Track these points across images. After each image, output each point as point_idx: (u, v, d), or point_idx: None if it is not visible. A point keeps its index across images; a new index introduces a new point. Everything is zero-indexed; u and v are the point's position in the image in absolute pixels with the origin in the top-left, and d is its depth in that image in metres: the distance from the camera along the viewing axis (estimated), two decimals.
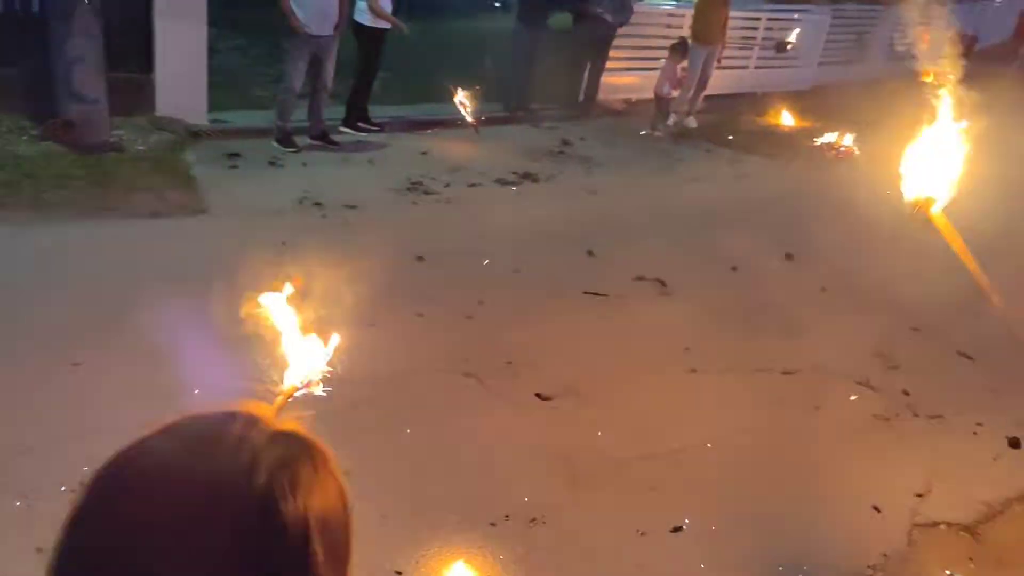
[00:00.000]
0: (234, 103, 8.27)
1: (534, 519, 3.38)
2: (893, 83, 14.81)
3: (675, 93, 9.96)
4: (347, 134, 8.12)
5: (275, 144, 7.47)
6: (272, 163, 7.24)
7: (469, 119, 8.08)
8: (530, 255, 5.94)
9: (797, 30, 13.51)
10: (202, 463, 0.72)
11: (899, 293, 5.88)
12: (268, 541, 0.70)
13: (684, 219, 7.14)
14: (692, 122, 10.26)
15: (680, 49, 9.84)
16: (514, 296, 5.24)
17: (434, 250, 5.73)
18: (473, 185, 7.25)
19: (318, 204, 6.38)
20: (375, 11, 7.80)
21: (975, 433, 4.44)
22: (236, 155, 7.21)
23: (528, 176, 7.64)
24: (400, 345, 4.54)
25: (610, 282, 5.69)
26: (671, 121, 10.05)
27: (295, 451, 0.77)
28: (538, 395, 4.32)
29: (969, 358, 5.20)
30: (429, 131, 8.67)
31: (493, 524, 3.30)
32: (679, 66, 9.81)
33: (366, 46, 8.00)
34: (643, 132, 9.75)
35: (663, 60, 10.12)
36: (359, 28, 7.95)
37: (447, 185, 7.09)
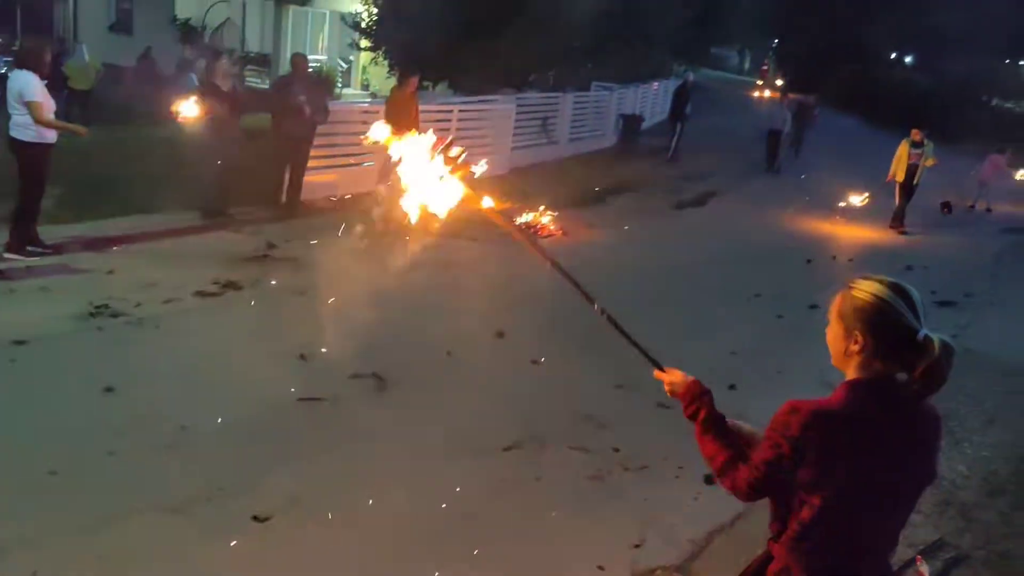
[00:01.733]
0: None
1: None
2: (578, 160, 16.25)
3: (397, 187, 10.02)
4: (13, 260, 7.25)
5: None
6: None
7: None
8: (237, 369, 5.60)
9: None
10: None
11: (603, 354, 6.30)
12: None
13: (398, 309, 7.16)
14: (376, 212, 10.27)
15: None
16: (222, 417, 4.87)
17: (125, 379, 5.21)
18: (169, 301, 6.75)
19: None
20: (43, 122, 7.14)
21: (677, 477, 4.79)
22: None
23: (231, 285, 7.27)
24: (93, 493, 4.02)
25: (325, 384, 5.51)
26: (376, 214, 10.16)
27: None
28: (255, 518, 4.01)
29: (666, 407, 5.65)
30: (115, 248, 8.00)
31: None
32: (398, 161, 9.91)
33: (29, 163, 7.27)
34: (359, 227, 9.70)
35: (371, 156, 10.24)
36: (20, 145, 7.22)
37: (138, 305, 6.53)
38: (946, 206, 14.56)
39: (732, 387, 6.01)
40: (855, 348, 2.06)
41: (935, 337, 2.01)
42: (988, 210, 14.90)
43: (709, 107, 23.89)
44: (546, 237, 10.38)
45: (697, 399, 2.37)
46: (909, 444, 2.07)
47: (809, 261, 10.48)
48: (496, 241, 9.93)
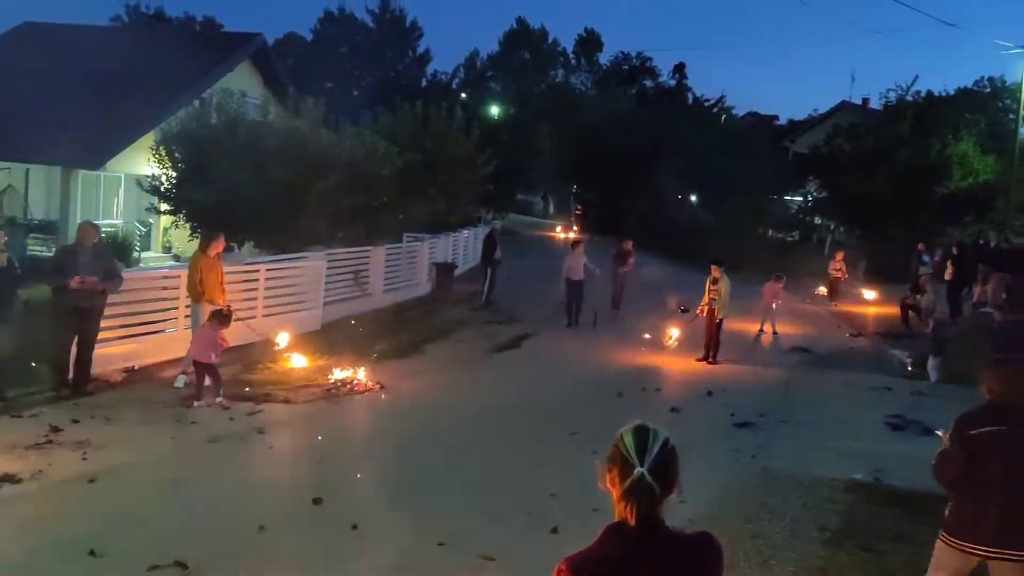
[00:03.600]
0: None
1: None
2: (394, 311, 16.35)
3: (216, 358, 9.43)
4: None
5: None
6: None
7: None
8: (16, 574, 4.98)
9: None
10: None
11: (425, 510, 6.17)
12: None
13: (204, 486, 6.72)
14: (179, 381, 9.74)
15: (219, 316, 9.55)
16: None
17: None
18: None
19: None
20: None
21: None
22: None
23: (7, 478, 6.54)
24: None
25: None
26: (181, 383, 9.64)
27: None
28: None
29: (491, 559, 5.57)
30: None
31: None
32: (220, 331, 9.44)
33: None
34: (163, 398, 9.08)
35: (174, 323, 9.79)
36: None
37: None
38: (681, 308, 15.77)
39: (554, 531, 6.03)
40: (608, 486, 2.30)
41: (640, 471, 2.21)
42: (775, 333, 16.25)
43: (519, 250, 25.02)
44: (362, 392, 10.22)
45: None
46: None
47: (620, 394, 10.92)
48: (311, 403, 9.68)
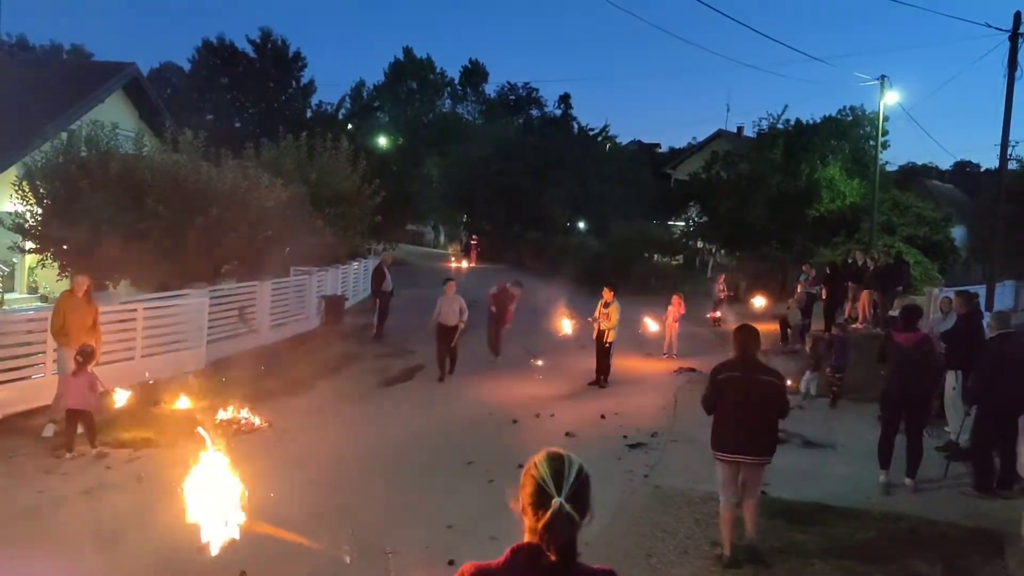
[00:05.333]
0: None
1: None
2: (282, 346, 15.81)
3: (95, 404, 8.89)
4: None
5: None
6: None
7: None
8: None
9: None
10: None
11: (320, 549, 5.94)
12: None
13: (72, 541, 6.31)
14: (48, 430, 9.16)
15: (82, 354, 8.99)
16: None
17: None
18: None
19: None
20: None
21: None
22: None
23: None
24: None
25: None
26: (50, 432, 9.06)
27: None
28: None
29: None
30: None
31: None
32: (92, 375, 8.90)
33: None
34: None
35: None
36: None
37: None
38: (566, 315, 15.92)
39: (451, 563, 5.95)
40: (519, 508, 2.29)
41: (559, 501, 2.19)
42: (670, 354, 16.58)
43: (411, 281, 24.82)
44: (249, 432, 9.86)
45: None
46: None
47: (515, 422, 10.94)
48: (188, 443, 9.24)
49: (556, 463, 2.28)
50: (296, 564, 6.02)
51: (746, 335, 6.40)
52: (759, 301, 22.89)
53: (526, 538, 2.30)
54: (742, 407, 6.21)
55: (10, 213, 15.57)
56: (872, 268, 19.87)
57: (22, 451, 8.70)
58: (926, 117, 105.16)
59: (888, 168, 35.70)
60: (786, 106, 47.98)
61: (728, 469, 6.34)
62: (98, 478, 7.97)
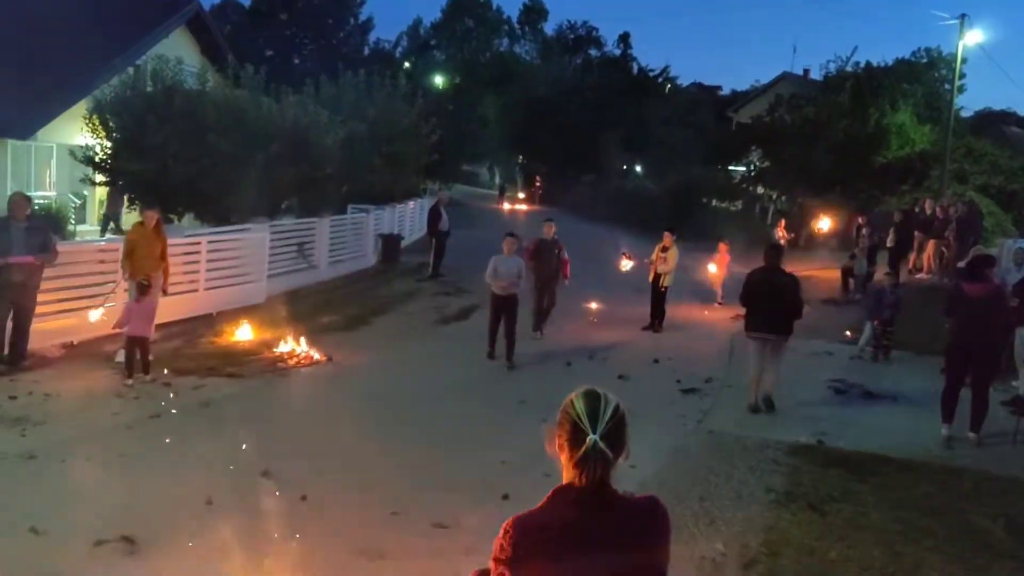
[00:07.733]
0: None
1: None
2: (340, 283, 16.06)
3: (152, 331, 9.17)
4: None
5: None
6: None
7: None
8: None
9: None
10: None
11: (376, 483, 6.12)
12: None
13: (146, 460, 6.59)
14: (120, 356, 9.43)
15: (138, 287, 9.24)
16: None
17: None
18: None
19: None
20: None
21: None
22: None
23: None
24: None
25: (64, 557, 4.91)
26: (122, 358, 9.38)
27: None
28: None
29: (445, 527, 5.57)
30: None
31: None
32: (152, 303, 9.16)
33: None
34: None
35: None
36: None
37: None
38: (626, 255, 15.70)
39: (505, 497, 6.07)
40: (554, 450, 2.31)
41: (593, 438, 2.21)
42: (719, 303, 16.39)
43: (466, 221, 24.86)
44: (309, 365, 10.10)
45: None
46: (604, 545, 2.22)
47: (568, 364, 10.99)
48: (257, 375, 9.52)
49: (592, 399, 2.28)
50: (356, 492, 6.19)
51: (770, 251, 9.26)
52: (819, 250, 22.41)
53: (564, 478, 2.31)
54: (765, 298, 8.79)
55: (81, 146, 15.94)
56: (951, 216, 19.09)
57: (96, 376, 9.05)
58: (1007, 59, 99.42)
59: (963, 114, 34.26)
60: (855, 47, 46.50)
61: (758, 345, 8.96)
62: (166, 403, 8.27)
